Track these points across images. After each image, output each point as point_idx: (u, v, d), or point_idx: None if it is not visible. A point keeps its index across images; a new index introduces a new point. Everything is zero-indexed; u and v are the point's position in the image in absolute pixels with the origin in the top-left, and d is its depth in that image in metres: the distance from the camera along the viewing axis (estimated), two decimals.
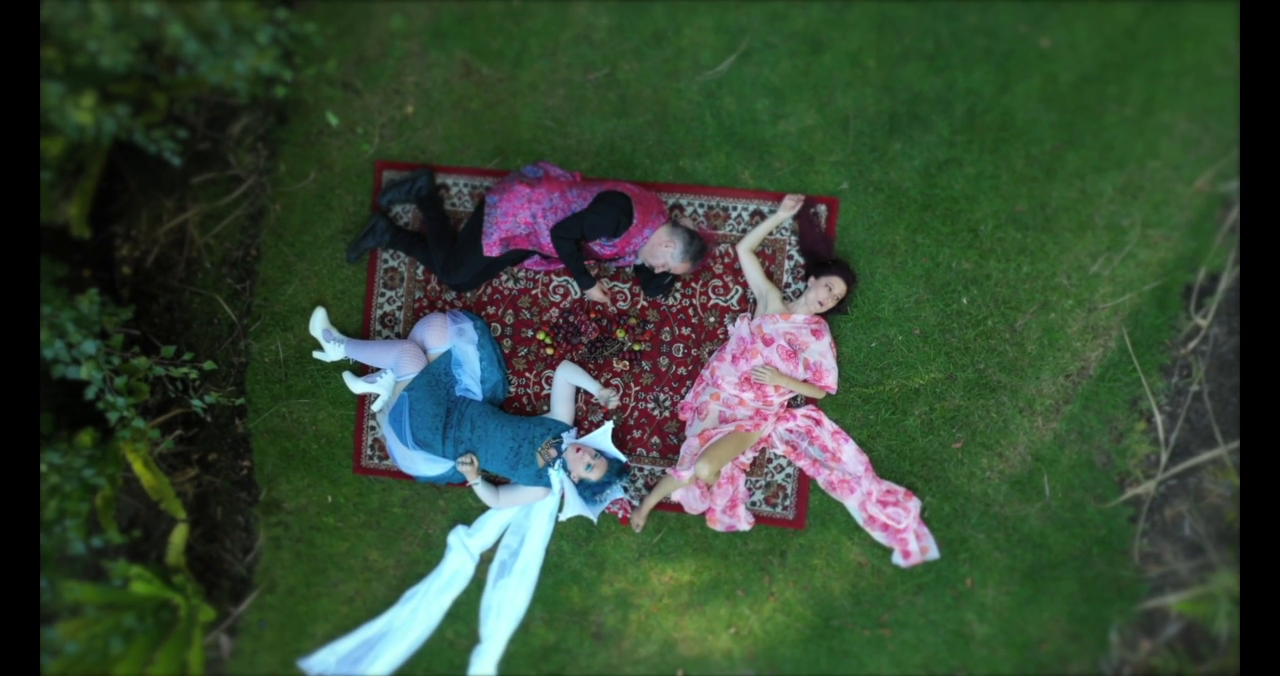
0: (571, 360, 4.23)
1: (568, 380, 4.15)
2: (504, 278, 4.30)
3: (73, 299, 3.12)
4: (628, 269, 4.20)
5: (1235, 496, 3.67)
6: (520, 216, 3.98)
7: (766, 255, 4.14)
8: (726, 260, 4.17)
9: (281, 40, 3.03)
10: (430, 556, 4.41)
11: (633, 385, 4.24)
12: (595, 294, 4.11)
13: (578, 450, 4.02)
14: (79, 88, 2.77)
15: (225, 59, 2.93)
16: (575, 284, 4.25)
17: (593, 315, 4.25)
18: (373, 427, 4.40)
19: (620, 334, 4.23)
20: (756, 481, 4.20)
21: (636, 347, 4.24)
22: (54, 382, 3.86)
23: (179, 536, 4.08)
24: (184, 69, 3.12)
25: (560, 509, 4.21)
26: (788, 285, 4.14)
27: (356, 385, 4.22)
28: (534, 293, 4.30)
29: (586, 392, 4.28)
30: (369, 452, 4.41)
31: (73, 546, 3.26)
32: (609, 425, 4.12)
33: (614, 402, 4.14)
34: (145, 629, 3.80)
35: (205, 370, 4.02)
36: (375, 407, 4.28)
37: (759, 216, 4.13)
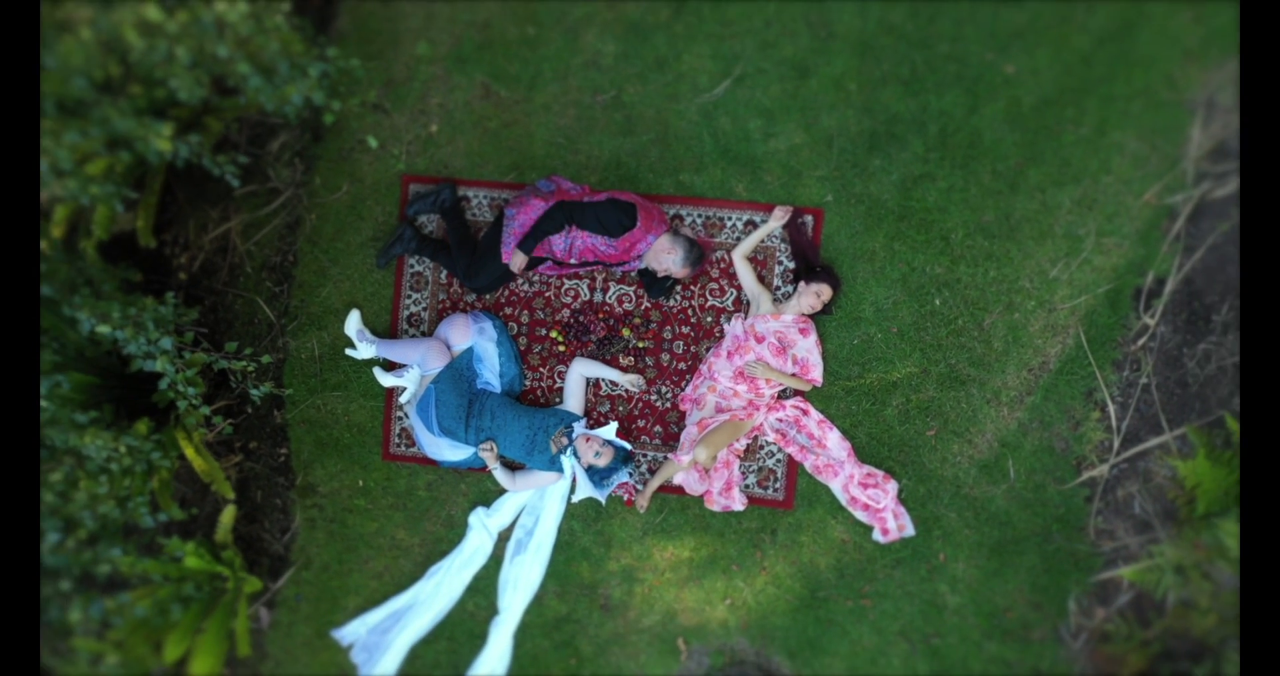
0: (585, 357, 4.65)
1: (582, 374, 4.57)
2: (520, 281, 4.72)
3: (135, 299, 3.53)
4: (633, 273, 4.63)
5: (1176, 478, 4.09)
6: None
7: (758, 261, 4.56)
8: (722, 265, 4.59)
9: (330, 74, 3.45)
10: (453, 535, 4.83)
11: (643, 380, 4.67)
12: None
13: (587, 439, 4.44)
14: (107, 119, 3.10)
15: (281, 90, 3.36)
16: (583, 286, 4.67)
17: (601, 315, 4.68)
18: (400, 418, 4.82)
19: (626, 332, 4.65)
20: (750, 466, 4.62)
21: (640, 345, 4.66)
22: (112, 376, 4.28)
23: (228, 516, 4.50)
24: (242, 97, 3.54)
25: (571, 491, 4.63)
26: (778, 288, 4.57)
27: (386, 379, 4.65)
28: (547, 295, 4.72)
29: (595, 386, 4.70)
30: (396, 440, 4.84)
31: (143, 521, 3.68)
32: (613, 425, 4.54)
33: (641, 384, 4.55)
34: (201, 597, 4.22)
35: (263, 363, 4.45)
36: (403, 399, 4.70)
37: (752, 226, 4.56)
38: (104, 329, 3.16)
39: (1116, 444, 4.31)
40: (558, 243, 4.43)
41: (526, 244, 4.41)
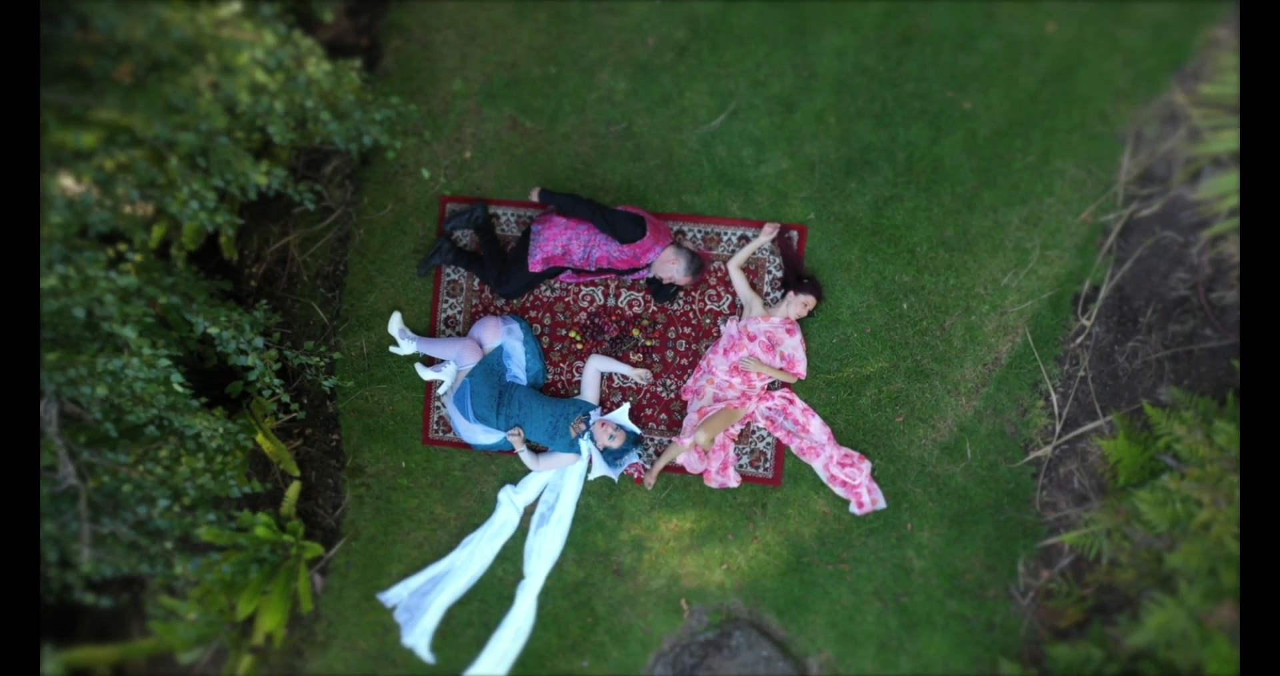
0: (600, 354, 5.34)
1: (598, 369, 5.26)
2: (543, 288, 5.41)
3: (231, 306, 4.22)
4: (642, 281, 5.32)
5: (1105, 456, 4.78)
6: (558, 241, 5.09)
7: (751, 270, 5.26)
8: (719, 274, 5.29)
9: (392, 118, 4.13)
10: (484, 510, 5.52)
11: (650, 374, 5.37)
12: (535, 195, 5.07)
13: (603, 425, 5.13)
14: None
15: (352, 130, 4.04)
16: (598, 292, 5.37)
17: (614, 317, 5.37)
18: (438, 407, 5.51)
19: (635, 332, 5.35)
20: (743, 448, 5.32)
21: (648, 343, 5.36)
22: (193, 370, 4.96)
23: (293, 491, 5.19)
24: (319, 137, 4.23)
25: (588, 471, 5.32)
26: (767, 294, 5.26)
27: (426, 374, 5.34)
28: (567, 300, 5.42)
29: (609, 379, 5.39)
30: (435, 427, 5.53)
31: (232, 492, 4.36)
32: (626, 405, 5.24)
33: (648, 378, 5.24)
34: (274, 559, 4.92)
35: (334, 359, 5.14)
36: (440, 391, 5.40)
37: (745, 240, 5.25)
38: (214, 330, 3.85)
39: (1058, 428, 5.01)
40: (576, 253, 5.12)
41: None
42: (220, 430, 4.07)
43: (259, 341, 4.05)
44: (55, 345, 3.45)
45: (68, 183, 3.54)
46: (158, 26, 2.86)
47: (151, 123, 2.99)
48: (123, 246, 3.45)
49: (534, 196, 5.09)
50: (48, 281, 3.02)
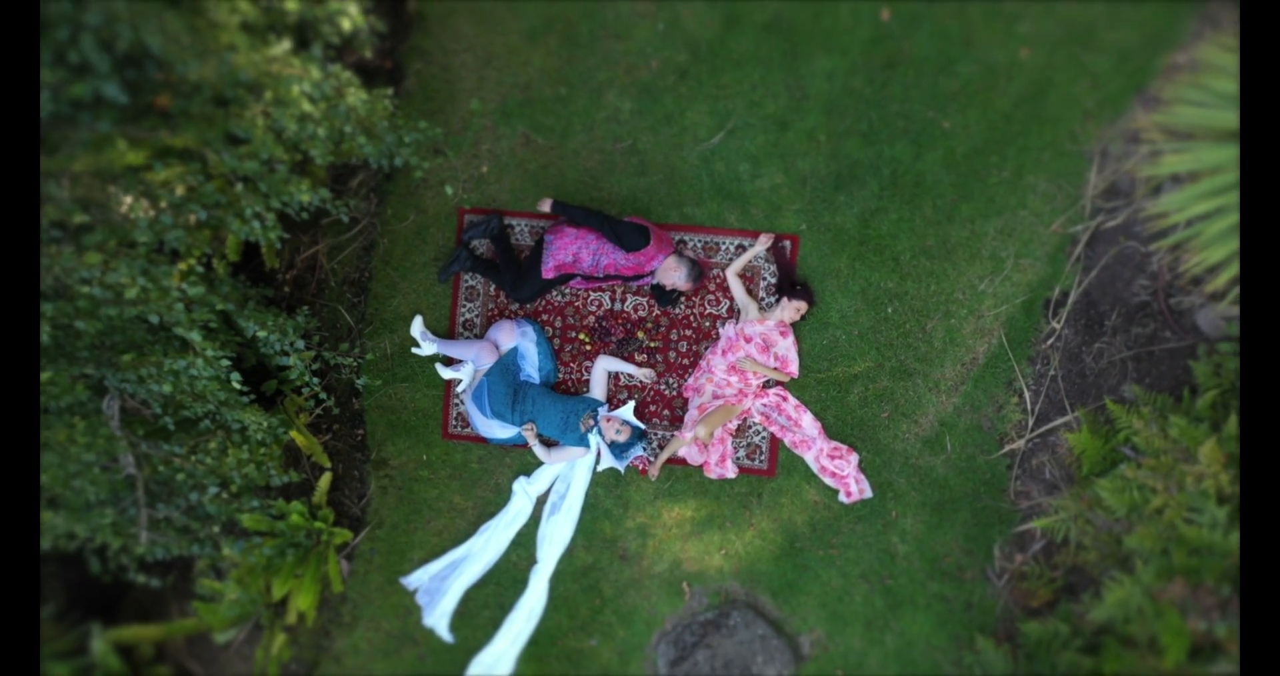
0: (607, 355, 5.75)
1: (606, 368, 5.67)
2: (555, 293, 5.83)
3: (274, 312, 4.64)
4: (646, 287, 5.73)
5: (1071, 450, 5.20)
6: (569, 250, 5.51)
7: (747, 277, 5.67)
8: (718, 281, 5.70)
9: (420, 141, 4.54)
10: (500, 499, 5.93)
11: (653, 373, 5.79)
12: (545, 205, 5.45)
13: (610, 420, 5.55)
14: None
15: (385, 151, 4.46)
16: (605, 297, 5.78)
17: (620, 321, 5.79)
18: (457, 404, 5.92)
19: (640, 334, 5.77)
20: (740, 442, 5.73)
21: (652, 344, 5.77)
22: (239, 370, 5.37)
23: (325, 481, 5.60)
24: (354, 158, 4.64)
25: (596, 463, 5.74)
26: (763, 299, 5.68)
27: (445, 373, 5.75)
28: (576, 305, 5.83)
29: (615, 378, 5.81)
30: (454, 423, 5.94)
31: (273, 481, 4.78)
32: (632, 402, 5.66)
33: (652, 377, 5.66)
34: (308, 544, 5.33)
35: (368, 360, 5.56)
36: (459, 389, 5.81)
37: (741, 249, 5.66)
38: (262, 333, 4.26)
39: (1030, 423, 5.42)
40: (586, 261, 5.53)
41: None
42: (264, 424, 4.48)
43: (300, 343, 4.46)
44: (129, 348, 3.87)
45: (127, 199, 3.95)
46: (228, 70, 3.27)
47: (220, 154, 3.41)
48: (190, 261, 3.87)
49: (545, 207, 5.50)
50: (130, 292, 3.42)
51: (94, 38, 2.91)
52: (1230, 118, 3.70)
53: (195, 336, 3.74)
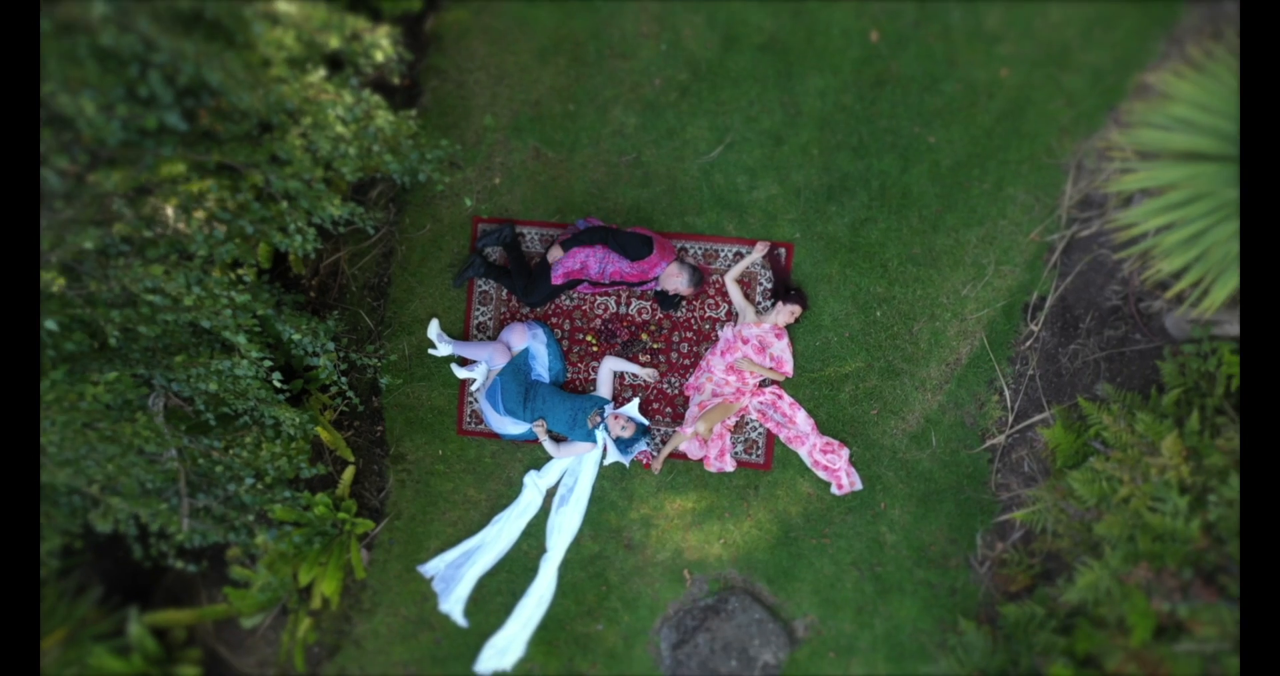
0: (612, 355, 6.11)
1: (611, 368, 6.03)
2: (563, 298, 6.19)
3: (306, 315, 5.00)
4: (650, 292, 6.09)
5: (1047, 445, 5.55)
6: (577, 258, 5.86)
7: (745, 282, 6.03)
8: (717, 286, 6.06)
9: (441, 158, 4.90)
10: (511, 492, 6.29)
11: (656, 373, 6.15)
12: (555, 253, 5.80)
13: (615, 417, 5.90)
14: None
15: (409, 167, 4.81)
16: (611, 301, 6.15)
17: (625, 324, 6.15)
18: (471, 402, 6.28)
19: (644, 337, 6.13)
20: (738, 437, 6.09)
21: (655, 346, 6.13)
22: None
23: (348, 475, 5.96)
24: (379, 174, 5.00)
25: (603, 457, 6.09)
26: (759, 303, 6.03)
27: (460, 372, 6.11)
28: (584, 308, 6.19)
29: (620, 378, 6.17)
30: (468, 420, 6.30)
31: (303, 473, 5.14)
32: (636, 400, 6.02)
33: (655, 376, 6.02)
34: (333, 533, 5.69)
35: (391, 361, 5.93)
36: (473, 388, 6.17)
37: (739, 256, 6.02)
38: (296, 336, 4.62)
39: (1010, 419, 5.78)
40: (593, 268, 5.89)
41: (568, 244, 5.81)
42: (296, 420, 4.84)
43: (330, 345, 4.82)
44: (180, 350, 4.22)
45: (168, 209, 4.30)
46: (276, 99, 3.62)
47: (267, 175, 3.76)
48: (240, 271, 4.22)
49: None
50: (187, 299, 3.79)
51: (160, 74, 3.26)
52: (1184, 140, 4.06)
53: (240, 339, 4.09)
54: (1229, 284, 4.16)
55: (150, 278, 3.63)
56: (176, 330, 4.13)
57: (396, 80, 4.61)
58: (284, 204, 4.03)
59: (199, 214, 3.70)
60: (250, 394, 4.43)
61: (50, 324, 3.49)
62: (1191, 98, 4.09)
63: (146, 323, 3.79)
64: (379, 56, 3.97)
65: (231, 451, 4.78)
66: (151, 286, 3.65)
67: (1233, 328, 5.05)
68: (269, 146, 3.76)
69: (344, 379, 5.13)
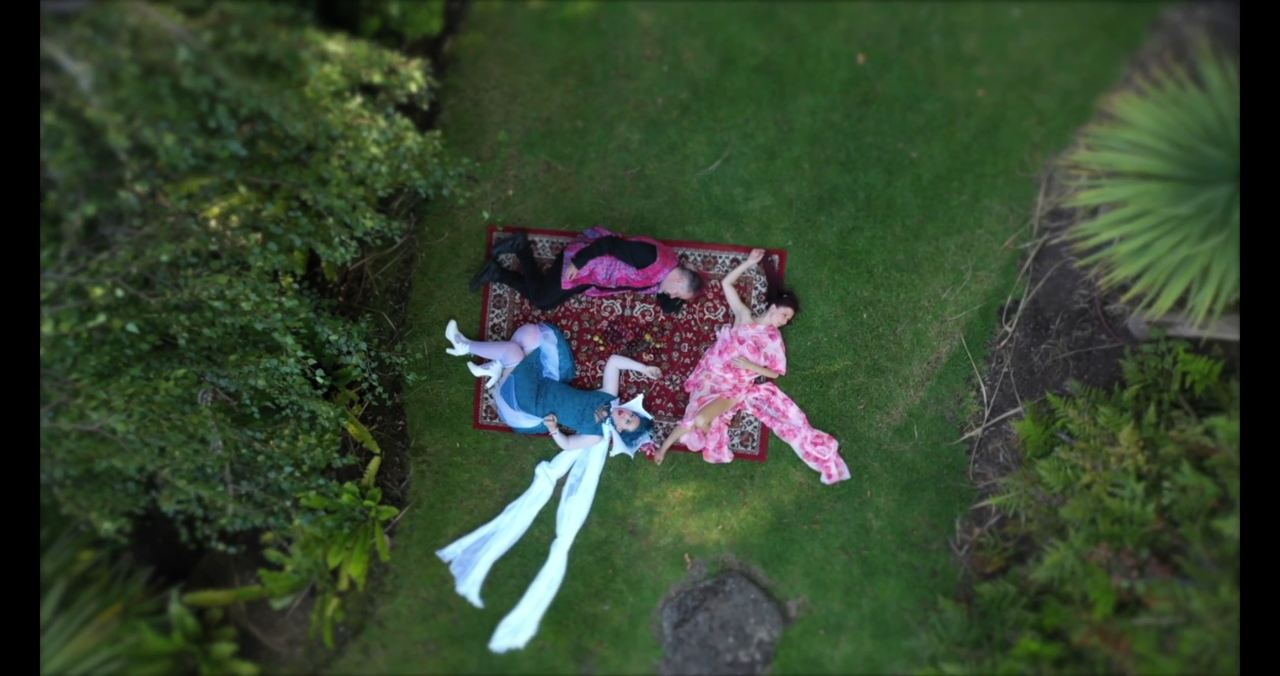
0: (618, 355, 6.58)
1: (618, 367, 6.50)
2: (572, 302, 6.65)
3: (338, 318, 5.46)
4: (653, 296, 6.56)
5: (1019, 438, 6.01)
6: (587, 265, 6.33)
7: (741, 287, 6.50)
8: (716, 290, 6.53)
9: (461, 173, 5.36)
10: (524, 482, 6.75)
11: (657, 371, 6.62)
12: (570, 272, 6.24)
13: (621, 412, 6.37)
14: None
15: (434, 182, 5.26)
16: (617, 305, 6.61)
17: (630, 325, 6.61)
18: (486, 398, 6.74)
19: (648, 337, 6.59)
20: (735, 430, 6.56)
21: (658, 346, 6.60)
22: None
23: (374, 465, 6.43)
24: (407, 188, 5.45)
25: (610, 449, 6.56)
26: (754, 306, 6.50)
27: (476, 370, 6.57)
28: (591, 311, 6.66)
29: (625, 375, 6.63)
30: (484, 414, 6.77)
31: (335, 462, 5.60)
32: (640, 396, 6.49)
33: (658, 374, 6.49)
34: (360, 518, 6.16)
35: (417, 360, 6.40)
36: (489, 385, 6.63)
37: (736, 262, 6.49)
38: (334, 337, 5.09)
39: (986, 413, 6.25)
40: (600, 274, 6.35)
41: (579, 260, 6.29)
42: (330, 414, 5.31)
43: (362, 345, 5.29)
44: (232, 350, 4.70)
45: (210, 220, 4.76)
46: (324, 127, 4.09)
47: (314, 194, 4.23)
48: (288, 280, 4.68)
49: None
50: (246, 305, 4.26)
51: (226, 108, 3.73)
52: (1134, 161, 4.53)
53: (288, 340, 4.56)
54: (1175, 290, 4.62)
55: (215, 286, 4.10)
56: (231, 332, 4.60)
57: (425, 106, 5.05)
58: (329, 220, 4.50)
59: (256, 235, 4.18)
60: (293, 389, 4.89)
61: (131, 327, 3.95)
62: (1141, 123, 4.55)
63: (209, 325, 4.26)
64: (413, 87, 4.44)
65: (272, 442, 5.24)
66: (216, 294, 4.11)
67: (1187, 329, 5.52)
68: (316, 168, 4.23)
69: (374, 375, 5.59)
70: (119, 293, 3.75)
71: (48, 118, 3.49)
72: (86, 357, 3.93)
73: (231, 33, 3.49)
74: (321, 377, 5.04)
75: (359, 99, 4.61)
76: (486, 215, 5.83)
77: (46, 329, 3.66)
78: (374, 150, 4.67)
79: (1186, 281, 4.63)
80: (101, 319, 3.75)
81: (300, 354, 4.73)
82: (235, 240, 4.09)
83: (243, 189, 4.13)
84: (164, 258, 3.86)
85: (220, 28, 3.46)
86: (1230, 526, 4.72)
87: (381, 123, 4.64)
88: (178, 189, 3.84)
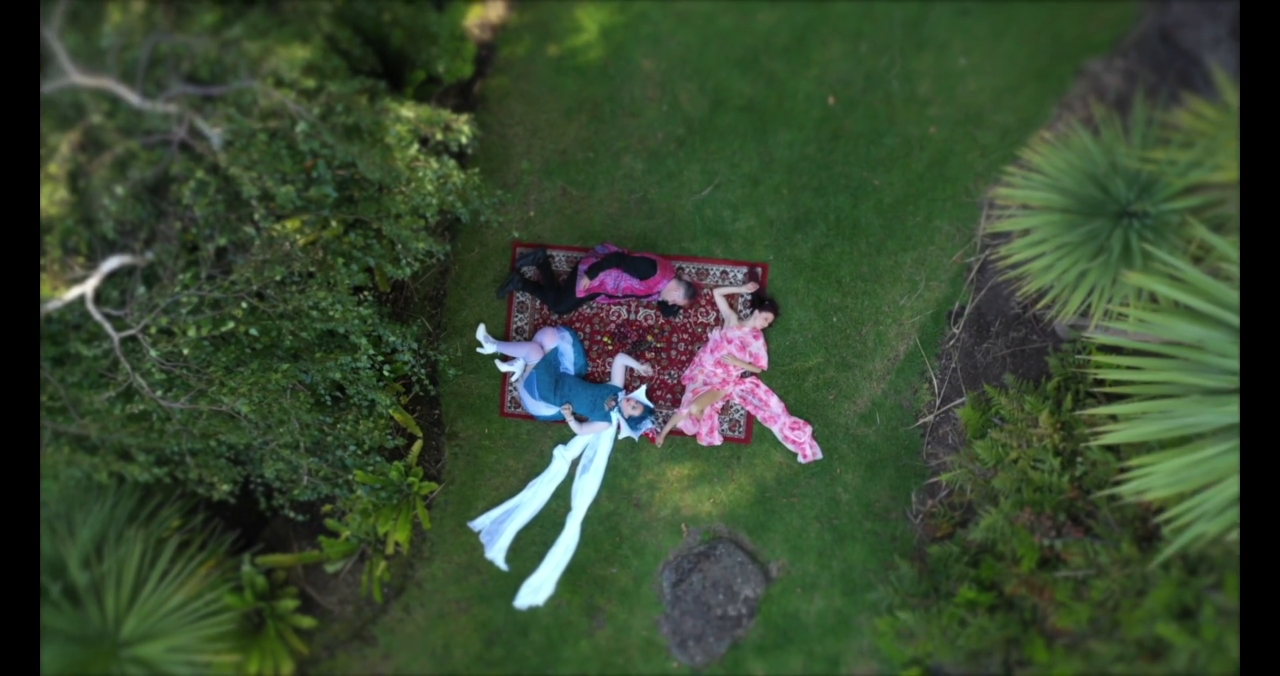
0: (624, 353, 7.68)
1: (623, 364, 7.60)
2: (586, 308, 7.75)
3: (390, 322, 6.56)
4: (654, 302, 7.66)
5: (962, 422, 7.10)
6: (598, 277, 7.42)
7: (730, 296, 7.59)
8: (708, 298, 7.61)
9: (495, 203, 6.44)
10: (543, 462, 7.84)
11: (658, 367, 7.72)
12: (584, 282, 7.31)
13: (627, 400, 7.46)
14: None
15: (473, 210, 6.35)
16: (623, 310, 7.71)
17: (634, 327, 7.71)
18: (511, 390, 7.84)
19: (650, 338, 7.69)
20: (724, 418, 7.66)
21: (659, 345, 7.70)
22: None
23: (417, 447, 7.52)
24: (451, 214, 6.53)
25: (617, 433, 7.66)
26: (741, 311, 7.60)
27: (502, 366, 7.66)
28: (602, 315, 7.76)
29: (630, 370, 7.73)
30: (509, 404, 7.86)
31: (388, 443, 6.69)
32: (643, 387, 7.59)
33: (650, 372, 7.59)
34: (406, 490, 7.26)
35: (458, 356, 7.50)
36: (513, 379, 7.73)
37: (726, 276, 7.59)
38: (392, 338, 6.18)
39: (938, 402, 7.35)
40: (610, 283, 7.43)
41: (591, 272, 7.38)
42: (387, 401, 6.41)
43: (414, 344, 6.39)
44: (317, 349, 5.81)
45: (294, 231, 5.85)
46: (394, 171, 5.18)
47: (385, 225, 5.34)
48: (365, 292, 5.78)
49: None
50: (334, 313, 5.35)
51: (325, 162, 4.83)
52: (1041, 196, 5.61)
53: (363, 341, 5.66)
54: (1076, 299, 5.71)
55: (314, 298, 5.20)
56: (321, 335, 5.70)
57: (470, 151, 6.13)
58: (398, 246, 5.61)
59: (340, 258, 5.29)
60: (362, 380, 5.99)
61: (254, 331, 5.07)
62: (1046, 167, 5.64)
63: (307, 329, 5.37)
64: (463, 139, 5.54)
65: (339, 426, 6.33)
66: (313, 304, 5.21)
67: (1099, 332, 6.61)
68: (386, 204, 5.34)
69: (422, 370, 6.70)
70: (243, 305, 4.85)
71: (198, 174, 4.61)
72: (218, 355, 5.04)
73: (335, 108, 4.59)
74: (386, 371, 6.14)
75: (415, 146, 5.71)
76: (516, 234, 6.91)
77: (190, 333, 4.79)
78: (429, 187, 5.75)
79: (1085, 292, 5.71)
80: (230, 325, 4.87)
81: (371, 351, 5.83)
82: (328, 263, 5.19)
83: (334, 223, 5.24)
84: (278, 277, 4.95)
85: (326, 104, 4.56)
86: (1129, 492, 5.81)
87: (434, 164, 5.73)
88: (283, 225, 4.94)
